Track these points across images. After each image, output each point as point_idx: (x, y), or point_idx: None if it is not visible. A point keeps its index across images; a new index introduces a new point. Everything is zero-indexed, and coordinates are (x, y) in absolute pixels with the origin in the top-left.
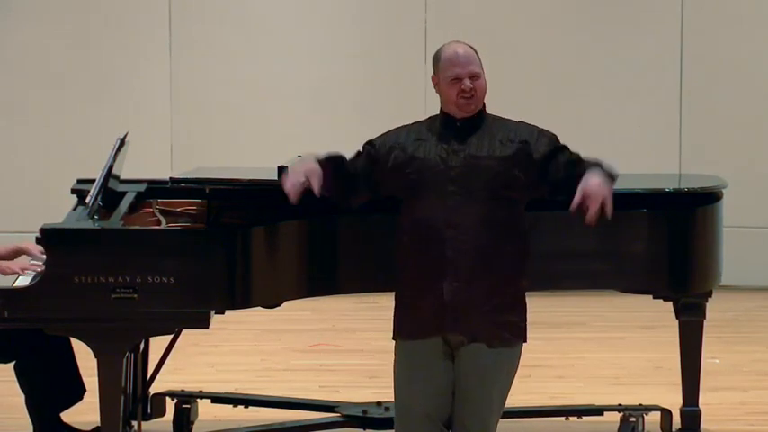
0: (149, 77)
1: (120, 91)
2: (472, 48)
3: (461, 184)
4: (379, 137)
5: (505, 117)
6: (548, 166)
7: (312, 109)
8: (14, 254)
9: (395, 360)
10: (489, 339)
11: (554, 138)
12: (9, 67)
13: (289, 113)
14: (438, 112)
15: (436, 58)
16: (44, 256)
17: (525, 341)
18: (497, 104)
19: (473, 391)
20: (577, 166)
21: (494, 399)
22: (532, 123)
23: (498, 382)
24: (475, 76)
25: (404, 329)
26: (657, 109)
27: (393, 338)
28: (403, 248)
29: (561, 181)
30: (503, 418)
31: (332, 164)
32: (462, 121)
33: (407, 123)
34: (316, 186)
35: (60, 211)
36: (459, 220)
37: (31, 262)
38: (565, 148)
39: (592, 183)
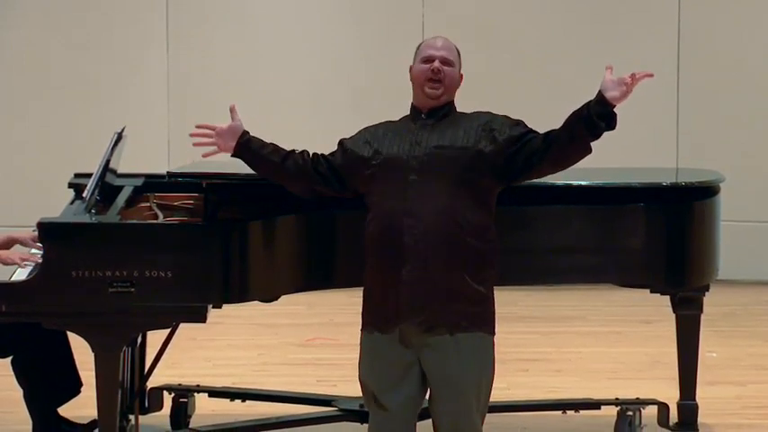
0: (147, 72)
1: (118, 86)
2: (456, 47)
3: (422, 173)
4: (352, 136)
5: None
6: (521, 148)
7: (309, 106)
8: (7, 243)
9: (360, 354)
10: (449, 328)
11: (521, 122)
12: (8, 63)
13: (286, 110)
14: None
15: (417, 48)
16: (38, 244)
17: (492, 333)
18: (494, 101)
19: (444, 385)
20: (551, 131)
21: (467, 391)
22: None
23: (469, 372)
24: (447, 62)
25: (366, 320)
26: (655, 106)
27: (361, 330)
28: (367, 240)
29: (538, 145)
30: (500, 411)
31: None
32: (428, 112)
33: (381, 122)
34: (220, 145)
35: (58, 205)
36: (418, 208)
37: (32, 251)
38: (533, 130)
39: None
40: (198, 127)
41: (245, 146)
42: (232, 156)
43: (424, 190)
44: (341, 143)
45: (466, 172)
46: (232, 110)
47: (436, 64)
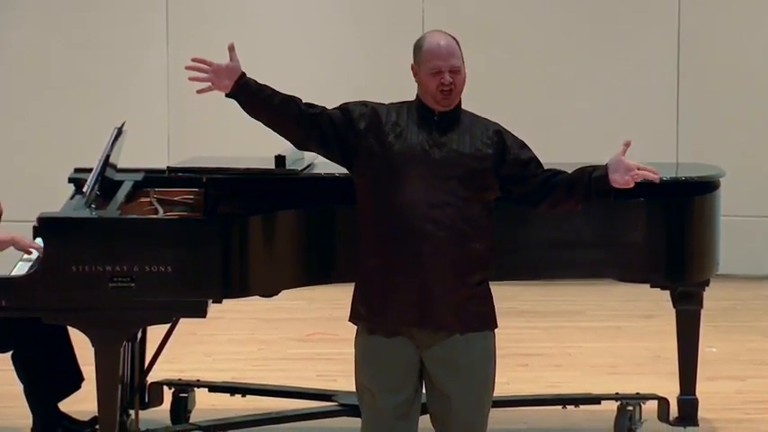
0: (147, 71)
1: (118, 86)
2: (454, 38)
3: (443, 178)
4: (356, 106)
5: (482, 115)
6: (522, 178)
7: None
8: (5, 244)
9: (356, 351)
10: (461, 329)
11: (526, 145)
12: (8, 63)
13: None
14: (413, 98)
15: (417, 47)
16: (33, 250)
17: (495, 327)
18: (494, 101)
19: (456, 383)
20: (557, 173)
21: (479, 387)
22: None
23: (479, 369)
24: (455, 71)
25: (366, 319)
26: (655, 106)
27: (350, 321)
28: (376, 238)
29: (537, 186)
30: (500, 406)
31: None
32: (440, 114)
33: (383, 103)
34: (215, 83)
35: (58, 205)
36: (437, 215)
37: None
38: (537, 160)
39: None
40: (194, 60)
41: (243, 87)
42: (227, 95)
43: (443, 196)
44: (345, 109)
45: (478, 178)
46: (231, 48)
47: (446, 78)
